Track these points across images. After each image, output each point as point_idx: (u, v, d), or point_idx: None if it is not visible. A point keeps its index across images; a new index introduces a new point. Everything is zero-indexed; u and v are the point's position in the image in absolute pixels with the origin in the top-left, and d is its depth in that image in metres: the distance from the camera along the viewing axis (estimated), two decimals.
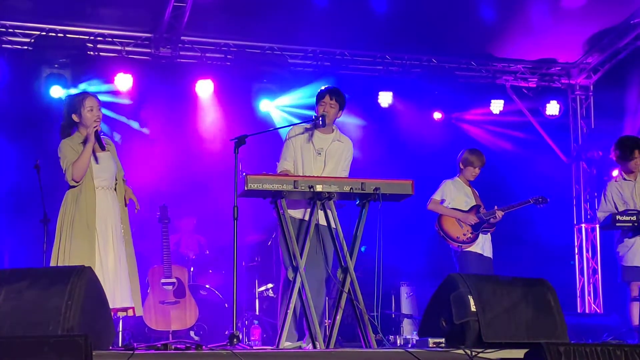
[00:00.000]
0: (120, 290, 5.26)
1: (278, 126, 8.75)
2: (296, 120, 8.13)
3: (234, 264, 5.03)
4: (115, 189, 5.48)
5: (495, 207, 7.21)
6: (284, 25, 8.66)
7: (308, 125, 5.94)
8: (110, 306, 5.07)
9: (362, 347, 5.25)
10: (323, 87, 5.98)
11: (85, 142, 5.29)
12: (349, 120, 9.21)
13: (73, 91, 8.50)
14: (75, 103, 5.41)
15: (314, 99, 5.98)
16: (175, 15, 8.27)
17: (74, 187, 5.31)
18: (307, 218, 5.51)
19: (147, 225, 7.76)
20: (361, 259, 5.44)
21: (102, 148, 5.40)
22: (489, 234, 7.26)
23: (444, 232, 7.21)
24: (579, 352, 4.08)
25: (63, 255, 5.19)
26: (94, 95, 5.50)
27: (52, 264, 5.22)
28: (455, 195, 7.26)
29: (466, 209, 7.21)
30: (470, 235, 7.13)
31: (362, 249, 6.55)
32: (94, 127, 5.31)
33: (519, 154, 9.69)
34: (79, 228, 5.22)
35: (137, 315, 5.53)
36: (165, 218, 7.63)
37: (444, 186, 7.33)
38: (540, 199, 7.35)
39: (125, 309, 5.36)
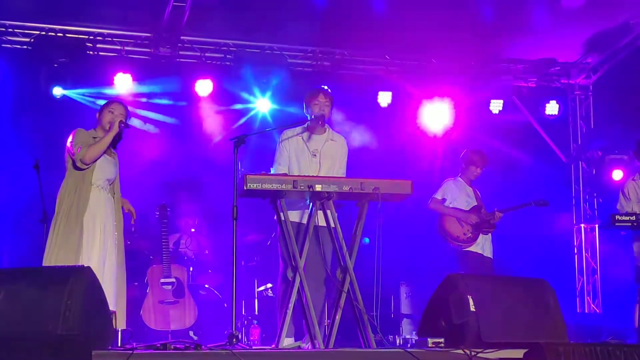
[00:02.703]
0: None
1: (277, 126, 8.75)
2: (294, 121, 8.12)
3: (233, 263, 5.03)
4: (112, 195, 5.59)
5: (495, 209, 7.22)
6: (283, 24, 8.66)
7: (303, 127, 5.92)
8: None
9: (361, 347, 5.25)
10: (315, 87, 5.99)
11: (109, 130, 5.48)
12: (349, 120, 9.21)
13: (73, 91, 8.57)
14: (104, 105, 5.69)
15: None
16: (174, 14, 8.26)
17: (79, 169, 5.39)
18: (304, 221, 5.50)
19: (147, 224, 7.76)
20: (361, 259, 5.44)
21: (114, 147, 5.65)
22: (489, 234, 7.27)
23: (444, 231, 7.21)
24: (578, 352, 4.08)
25: (55, 244, 5.30)
26: (124, 105, 5.74)
27: (46, 252, 5.33)
28: (456, 195, 7.27)
29: (467, 208, 7.21)
30: (470, 235, 7.13)
31: (366, 240, 6.54)
32: (119, 120, 5.51)
33: (518, 154, 9.68)
34: (73, 218, 5.33)
35: (117, 327, 5.45)
36: (164, 217, 7.63)
37: (446, 185, 7.34)
38: (541, 202, 7.35)
39: None
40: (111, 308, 5.31)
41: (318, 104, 5.86)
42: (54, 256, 5.26)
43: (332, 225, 5.35)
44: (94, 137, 5.51)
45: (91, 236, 5.36)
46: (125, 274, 5.62)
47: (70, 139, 5.48)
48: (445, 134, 9.77)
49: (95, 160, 5.42)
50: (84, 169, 5.40)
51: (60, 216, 5.37)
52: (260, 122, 9.25)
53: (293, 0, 8.25)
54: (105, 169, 5.51)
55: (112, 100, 5.82)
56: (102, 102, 6.20)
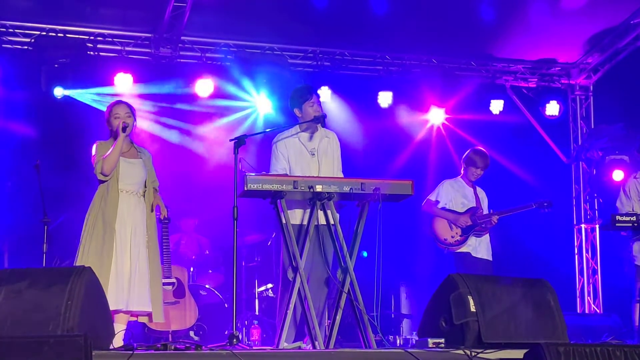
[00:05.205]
0: (137, 293, 5.37)
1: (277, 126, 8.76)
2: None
3: (233, 264, 5.03)
4: (143, 196, 5.60)
5: (491, 211, 7.16)
6: (284, 25, 8.66)
7: (299, 128, 5.89)
8: (125, 309, 5.25)
9: (361, 347, 5.25)
10: (305, 86, 5.99)
11: (115, 138, 5.48)
12: (349, 120, 9.21)
13: (73, 91, 8.58)
14: (107, 112, 5.65)
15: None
16: (175, 15, 8.27)
17: (102, 182, 5.44)
18: (305, 222, 5.49)
19: None
20: (361, 259, 5.44)
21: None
22: (487, 235, 7.19)
23: (433, 233, 7.19)
24: (578, 353, 4.08)
25: (83, 252, 5.33)
26: (124, 103, 5.71)
27: (77, 260, 5.36)
28: (452, 196, 7.21)
29: (463, 210, 7.14)
30: (458, 237, 7.07)
31: (364, 254, 6.53)
32: (123, 124, 5.48)
33: (519, 155, 9.68)
34: (101, 227, 5.36)
35: (155, 321, 5.60)
36: (165, 218, 7.62)
37: (441, 187, 7.29)
38: (545, 203, 7.16)
39: (143, 314, 5.43)
40: (145, 308, 5.43)
41: (313, 104, 5.85)
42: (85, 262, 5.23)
43: (332, 222, 5.34)
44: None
45: (122, 243, 5.39)
46: (160, 271, 5.70)
47: (92, 152, 5.53)
48: (445, 134, 9.78)
49: (113, 169, 5.44)
50: (107, 180, 5.44)
51: (89, 225, 5.41)
52: (260, 122, 9.25)
53: (293, 0, 8.26)
54: (130, 174, 5.54)
55: (113, 104, 5.70)
56: (102, 98, 6.19)
